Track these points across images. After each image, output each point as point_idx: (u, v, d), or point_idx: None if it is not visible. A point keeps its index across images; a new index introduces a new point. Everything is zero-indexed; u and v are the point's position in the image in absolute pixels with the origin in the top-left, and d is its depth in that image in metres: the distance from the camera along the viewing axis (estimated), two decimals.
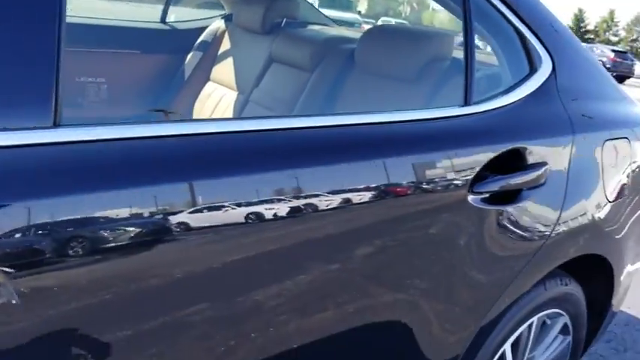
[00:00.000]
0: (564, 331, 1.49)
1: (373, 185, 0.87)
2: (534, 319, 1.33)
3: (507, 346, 1.29)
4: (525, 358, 1.39)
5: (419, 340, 1.04)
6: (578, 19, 69.64)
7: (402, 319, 0.99)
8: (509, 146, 1.06)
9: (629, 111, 1.57)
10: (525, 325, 1.32)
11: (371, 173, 0.87)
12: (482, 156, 1.01)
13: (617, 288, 1.59)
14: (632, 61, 23.68)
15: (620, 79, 23.88)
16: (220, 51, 1.77)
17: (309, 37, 1.74)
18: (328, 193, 0.81)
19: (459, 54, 1.37)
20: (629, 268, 1.63)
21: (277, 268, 0.78)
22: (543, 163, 1.13)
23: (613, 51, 22.44)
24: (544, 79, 1.21)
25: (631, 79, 25.47)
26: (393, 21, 9.77)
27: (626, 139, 1.45)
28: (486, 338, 1.18)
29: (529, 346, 1.38)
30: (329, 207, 0.81)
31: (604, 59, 22.33)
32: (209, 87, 1.71)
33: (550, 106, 1.21)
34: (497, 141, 1.04)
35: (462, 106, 1.04)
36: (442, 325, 1.07)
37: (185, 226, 0.68)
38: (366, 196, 0.86)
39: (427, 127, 0.97)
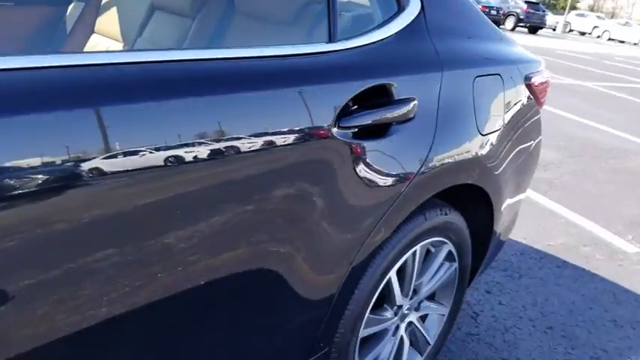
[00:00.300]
0: (449, 258, 1.61)
1: (238, 120, 0.89)
2: (417, 247, 1.42)
3: (393, 274, 1.38)
4: (412, 284, 1.49)
5: (291, 282, 1.07)
6: None
7: (274, 262, 1.01)
8: (375, 82, 1.11)
9: (505, 50, 1.67)
10: (409, 254, 1.41)
11: (235, 108, 0.89)
12: (347, 91, 1.05)
13: (498, 218, 1.71)
14: (544, 12, 24.63)
15: (534, 29, 24.85)
16: (103, 0, 1.70)
17: None
18: (193, 127, 0.83)
19: None
20: (509, 199, 1.76)
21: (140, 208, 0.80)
22: (411, 99, 1.19)
23: (526, 2, 23.20)
24: (412, 17, 1.26)
25: (543, 29, 26.52)
26: None
27: (498, 76, 1.54)
28: (365, 270, 1.26)
29: (415, 272, 1.47)
30: (194, 144, 0.83)
31: (518, 10, 23.10)
32: (93, 39, 1.65)
33: (418, 44, 1.26)
34: (362, 77, 1.08)
35: (327, 42, 1.07)
36: (315, 264, 1.11)
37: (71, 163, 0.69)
38: (232, 130, 0.88)
39: (291, 63, 1.00)
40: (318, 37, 1.08)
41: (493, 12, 21.56)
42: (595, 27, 34.98)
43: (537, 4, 24.51)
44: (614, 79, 11.17)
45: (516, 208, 1.91)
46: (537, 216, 3.23)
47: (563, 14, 34.02)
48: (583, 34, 35.22)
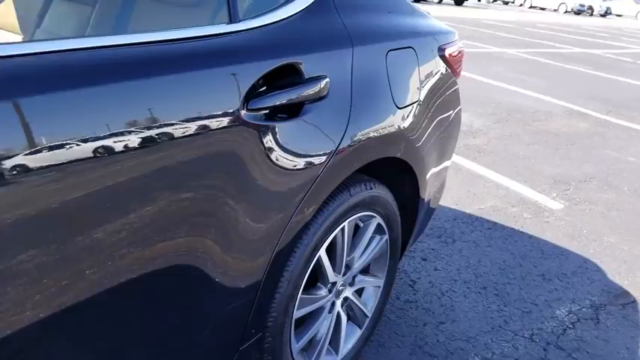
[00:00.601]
0: (379, 230, 1.64)
1: (141, 110, 0.87)
2: (345, 223, 1.44)
3: (322, 252, 1.40)
4: (344, 260, 1.52)
5: (213, 273, 1.06)
6: None
7: (192, 255, 0.99)
8: (282, 61, 1.10)
9: (417, 23, 1.69)
10: (337, 231, 1.42)
11: (136, 97, 0.86)
12: (253, 73, 1.04)
13: (424, 187, 1.76)
14: None
15: (459, 1, 25.42)
16: None
17: None
18: (93, 120, 0.80)
19: None
20: (433, 168, 1.80)
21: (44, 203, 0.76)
22: (323, 77, 1.19)
23: None
24: None
25: (469, 0, 27.13)
26: None
27: (411, 49, 1.56)
28: (292, 252, 1.26)
29: (345, 248, 1.50)
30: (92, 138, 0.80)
31: None
32: None
33: (326, 20, 1.26)
34: (268, 57, 1.07)
35: (228, 23, 1.05)
36: (235, 252, 1.10)
37: None
38: (135, 121, 0.85)
39: (193, 46, 0.97)
40: (220, 18, 1.05)
41: None
42: None
43: None
44: (537, 45, 11.62)
45: (442, 176, 1.97)
46: (468, 182, 3.34)
47: None
48: (506, 2, 36.38)
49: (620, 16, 37.53)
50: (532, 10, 32.26)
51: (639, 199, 3.41)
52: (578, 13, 32.74)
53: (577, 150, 4.30)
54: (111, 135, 0.82)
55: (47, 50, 0.81)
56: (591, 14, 33.62)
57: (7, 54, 0.76)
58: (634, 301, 2.28)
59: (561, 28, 17.85)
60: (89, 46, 0.85)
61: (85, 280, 0.84)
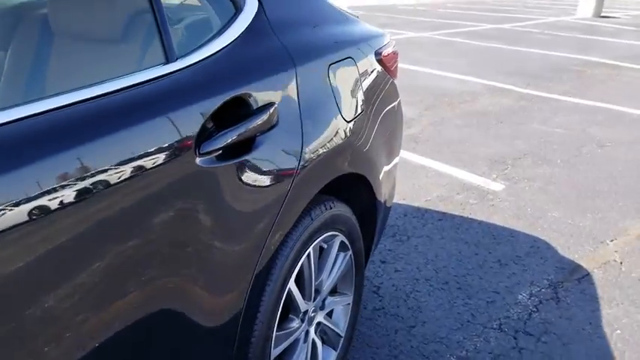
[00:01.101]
0: (343, 248, 1.58)
1: (95, 172, 0.77)
2: (310, 249, 1.37)
3: (291, 284, 1.32)
4: (313, 285, 1.45)
5: (194, 311, 0.99)
6: None
7: (173, 299, 0.93)
8: (227, 96, 1.02)
9: (351, 31, 1.64)
10: (303, 258, 1.35)
11: (85, 158, 0.76)
12: (200, 114, 0.95)
13: (379, 191, 1.71)
14: None
15: None
16: None
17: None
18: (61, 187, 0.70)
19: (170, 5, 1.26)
20: (385, 168, 1.76)
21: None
22: (271, 104, 1.12)
23: None
24: (252, 17, 1.17)
25: None
26: None
27: (350, 59, 1.51)
28: (262, 294, 1.19)
29: (313, 274, 1.43)
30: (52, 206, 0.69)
31: None
32: None
33: (265, 44, 1.18)
34: (212, 94, 0.99)
35: (165, 64, 0.95)
36: (213, 293, 1.03)
37: None
38: (93, 186, 0.75)
39: (130, 96, 0.87)
40: (155, 59, 0.95)
41: None
42: None
43: None
44: (450, 26, 11.96)
45: (394, 173, 1.94)
46: (410, 174, 3.35)
47: None
48: None
49: None
50: None
51: (573, 170, 3.55)
52: None
53: (506, 127, 4.43)
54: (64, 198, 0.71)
55: None
56: None
57: None
58: (587, 274, 2.35)
59: (469, 6, 18.50)
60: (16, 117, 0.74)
61: (64, 332, 0.74)
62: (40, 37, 1.24)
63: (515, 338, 1.93)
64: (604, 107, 5.20)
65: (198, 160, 0.93)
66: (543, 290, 2.22)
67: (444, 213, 2.88)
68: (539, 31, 11.44)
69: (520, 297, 2.17)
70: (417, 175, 3.35)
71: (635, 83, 6.44)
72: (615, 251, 2.56)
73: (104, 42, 1.10)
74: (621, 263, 2.46)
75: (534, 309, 2.10)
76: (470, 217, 2.84)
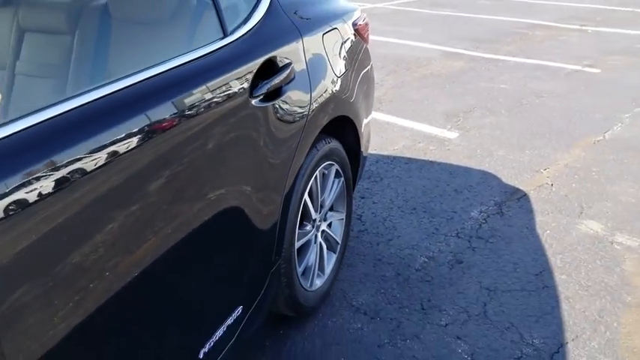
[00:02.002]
0: (337, 175, 2.09)
1: (186, 116, 1.23)
2: (317, 172, 1.88)
3: (306, 197, 1.83)
4: (319, 200, 1.96)
5: (253, 219, 1.47)
6: None
7: (228, 212, 1.37)
8: (264, 58, 1.49)
9: (334, 7, 2.12)
10: (312, 179, 1.86)
11: (181, 108, 1.22)
12: (250, 71, 1.42)
13: (362, 136, 2.23)
14: None
15: None
16: None
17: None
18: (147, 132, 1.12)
19: None
20: (364, 120, 2.28)
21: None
22: (289, 64, 1.60)
23: None
24: (268, 2, 1.64)
25: None
26: None
27: (336, 29, 2.00)
28: (290, 199, 1.68)
29: (319, 191, 1.94)
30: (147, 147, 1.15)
31: None
32: None
33: (280, 21, 1.66)
34: (255, 57, 1.46)
35: (222, 38, 1.42)
36: (258, 203, 1.51)
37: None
38: (182, 123, 1.21)
39: (208, 60, 1.33)
40: (216, 35, 1.41)
41: None
42: None
43: None
44: None
45: (369, 127, 2.45)
46: (379, 129, 3.88)
47: None
48: None
49: None
50: None
51: (515, 118, 4.15)
52: None
53: (458, 86, 5.00)
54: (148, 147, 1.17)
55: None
56: None
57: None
58: (525, 195, 2.95)
59: None
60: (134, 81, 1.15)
61: (168, 229, 1.19)
62: (102, 22, 1.67)
63: (469, 241, 2.50)
64: (543, 64, 5.83)
65: (252, 101, 1.41)
66: (490, 208, 2.80)
67: (409, 158, 3.42)
68: None
69: (472, 214, 2.74)
70: (385, 130, 3.88)
71: (570, 42, 7.11)
72: (548, 177, 3.16)
73: (164, 25, 1.55)
74: (552, 185, 3.06)
75: (484, 221, 2.67)
76: (430, 159, 3.40)
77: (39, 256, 0.85)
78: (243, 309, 1.48)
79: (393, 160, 3.39)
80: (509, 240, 2.52)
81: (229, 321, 1.41)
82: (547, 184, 3.08)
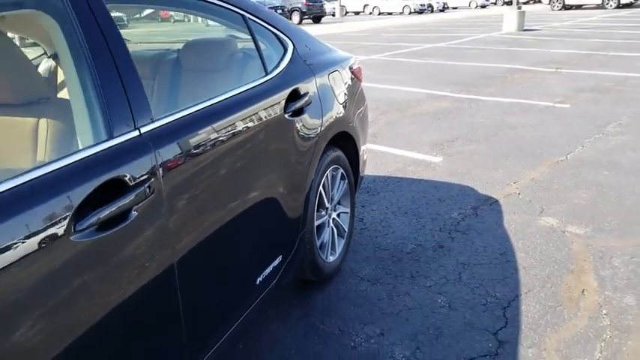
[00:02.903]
0: (342, 177, 2.77)
1: (245, 125, 1.91)
2: (328, 172, 2.55)
3: (321, 188, 2.49)
4: (330, 194, 2.63)
5: (287, 208, 2.13)
6: None
7: (272, 192, 2.06)
8: (291, 88, 2.20)
9: (335, 56, 2.86)
10: (324, 177, 2.53)
11: (240, 121, 1.91)
12: (284, 96, 2.12)
13: (361, 154, 2.92)
14: (321, 2, 27.36)
15: (317, 18, 27.39)
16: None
17: (144, 55, 2.60)
18: (224, 138, 1.82)
19: (245, 46, 2.43)
20: (362, 146, 2.97)
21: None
22: (307, 93, 2.31)
23: None
24: (291, 52, 2.37)
25: (325, 17, 29.30)
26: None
27: (337, 71, 2.72)
28: (311, 188, 2.35)
29: (329, 187, 2.61)
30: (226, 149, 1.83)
31: (299, 5, 25.33)
32: None
33: (299, 65, 2.38)
34: (285, 88, 2.16)
35: (265, 76, 2.13)
36: (291, 188, 2.17)
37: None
38: (235, 135, 1.89)
39: (258, 89, 2.03)
40: (260, 73, 2.12)
41: (279, 11, 23.50)
42: (365, 5, 39.26)
43: None
44: (394, 48, 13.47)
45: (365, 155, 3.14)
46: (374, 157, 4.57)
47: (336, 0, 37.60)
48: (358, 13, 39.29)
49: (456, 8, 42.17)
50: (381, 16, 35.42)
51: (491, 145, 4.85)
52: (420, 12, 36.41)
53: (443, 122, 5.74)
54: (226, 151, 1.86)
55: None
56: (432, 11, 37.56)
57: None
58: (496, 201, 3.60)
59: (410, 29, 20.27)
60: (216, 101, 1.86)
61: (226, 213, 1.87)
62: (174, 70, 2.39)
63: (449, 234, 3.15)
64: (518, 102, 6.60)
65: (285, 115, 2.10)
66: (468, 210, 3.45)
67: (400, 177, 4.10)
68: (471, 47, 13.05)
69: (453, 215, 3.40)
70: (379, 157, 4.58)
71: (545, 82, 7.93)
72: (516, 188, 3.83)
73: (221, 70, 2.27)
74: (519, 194, 3.73)
75: (462, 219, 3.32)
76: (418, 178, 4.08)
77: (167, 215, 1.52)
78: (282, 258, 2.13)
79: (387, 179, 4.07)
80: (481, 232, 3.16)
81: (274, 263, 2.06)
82: (515, 193, 3.75)
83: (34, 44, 2.17)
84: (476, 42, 14.22)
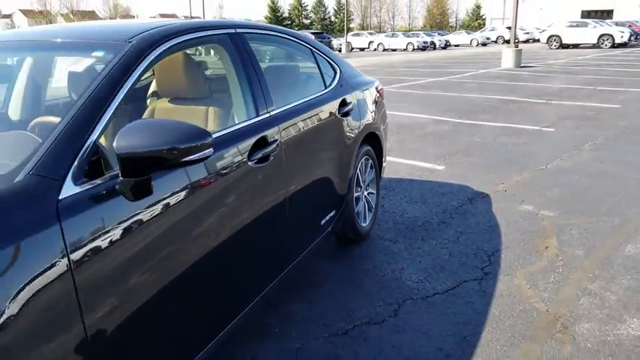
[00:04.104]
0: (371, 167, 3.77)
1: (310, 126, 2.92)
2: (362, 160, 3.55)
3: (358, 171, 3.49)
4: (363, 177, 3.62)
5: (338, 182, 3.13)
6: (274, 9, 77.21)
7: (330, 167, 3.05)
8: (341, 98, 3.22)
9: (366, 79, 3.90)
10: (360, 163, 3.53)
11: (303, 123, 2.91)
12: (337, 102, 3.14)
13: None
14: (329, 38, 28.89)
15: None
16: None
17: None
18: (298, 139, 2.83)
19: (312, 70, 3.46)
20: (384, 148, 3.99)
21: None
22: (350, 102, 3.33)
23: (312, 33, 27.07)
24: (339, 75, 3.40)
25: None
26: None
27: (368, 89, 3.76)
28: (354, 169, 3.35)
29: (363, 171, 3.61)
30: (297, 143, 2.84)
31: None
32: None
33: (345, 83, 3.41)
34: (337, 97, 3.18)
35: (325, 89, 3.15)
36: (343, 164, 3.17)
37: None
38: (305, 132, 2.90)
39: (321, 98, 3.05)
40: (321, 87, 3.15)
41: None
42: (370, 42, 40.87)
43: (321, 32, 28.66)
44: (399, 81, 14.64)
45: (385, 159, 4.15)
46: (388, 165, 5.57)
47: (342, 36, 39.26)
48: (363, 49, 40.90)
49: (457, 46, 43.85)
50: (385, 52, 37.00)
51: (485, 158, 5.86)
52: (423, 49, 38.01)
53: (445, 140, 6.77)
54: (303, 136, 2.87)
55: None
56: (434, 48, 39.18)
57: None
58: (487, 195, 4.58)
59: (413, 64, 21.58)
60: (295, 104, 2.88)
61: (295, 179, 2.86)
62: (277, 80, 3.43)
63: (450, 215, 4.12)
64: (511, 126, 7.64)
65: (338, 115, 3.12)
66: (464, 201, 4.44)
67: (411, 179, 5.10)
68: (471, 81, 14.20)
69: (453, 203, 4.38)
70: (393, 165, 5.59)
71: (535, 111, 9.00)
72: (503, 187, 4.81)
73: (303, 83, 3.30)
74: (505, 190, 4.71)
75: (460, 206, 4.30)
76: (425, 179, 5.07)
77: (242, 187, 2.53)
78: (335, 212, 3.11)
79: (400, 180, 5.07)
80: (474, 214, 4.14)
81: (331, 214, 3.04)
82: (502, 190, 4.74)
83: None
84: (475, 77, 15.40)
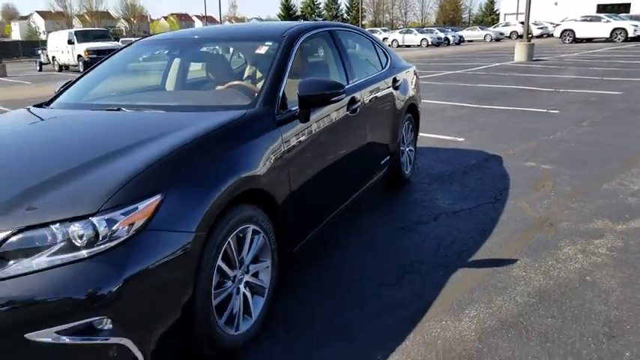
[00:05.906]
0: (412, 130, 5.01)
1: (376, 94, 4.16)
2: (405, 123, 4.80)
3: (402, 131, 4.74)
4: (406, 137, 4.87)
5: (389, 132, 4.37)
6: (287, 7, 78.51)
7: (387, 126, 4.29)
8: (393, 76, 4.46)
9: (406, 63, 5.15)
10: (404, 126, 4.77)
11: (373, 91, 4.16)
12: (392, 79, 4.39)
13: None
14: None
15: None
16: None
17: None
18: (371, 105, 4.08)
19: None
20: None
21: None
22: (399, 79, 4.57)
23: None
24: (390, 60, 4.65)
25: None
26: None
27: (408, 71, 5.01)
28: (402, 128, 4.60)
29: (406, 132, 4.86)
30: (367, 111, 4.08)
31: None
32: None
33: (394, 65, 4.66)
34: (391, 75, 4.42)
35: (382, 69, 4.40)
36: (393, 128, 4.42)
37: None
38: (374, 98, 4.14)
39: (381, 73, 4.30)
40: (380, 68, 4.38)
41: None
42: (384, 39, 41.99)
43: None
44: (419, 74, 15.85)
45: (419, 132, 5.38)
46: (418, 138, 6.82)
47: None
48: None
49: (471, 41, 44.76)
50: (401, 48, 38.11)
51: (498, 132, 7.07)
52: (437, 45, 39.03)
53: (465, 120, 7.99)
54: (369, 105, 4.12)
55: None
56: (448, 44, 40.18)
57: None
58: (500, 157, 5.80)
59: (429, 59, 22.74)
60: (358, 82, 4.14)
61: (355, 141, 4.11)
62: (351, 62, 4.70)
63: (470, 169, 5.35)
64: (521, 109, 8.84)
65: (392, 88, 4.36)
66: (481, 161, 5.66)
67: (437, 147, 6.34)
68: (485, 73, 15.35)
69: (472, 162, 5.61)
70: (421, 139, 6.79)
71: (543, 98, 10.17)
72: (513, 151, 6.02)
73: (371, 65, 4.56)
74: (514, 154, 5.92)
75: (477, 164, 5.53)
76: (449, 147, 6.30)
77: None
78: (389, 157, 4.36)
79: (428, 148, 6.31)
80: (489, 167, 5.37)
81: (386, 158, 4.30)
82: (512, 153, 5.95)
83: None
84: (489, 69, 16.55)
